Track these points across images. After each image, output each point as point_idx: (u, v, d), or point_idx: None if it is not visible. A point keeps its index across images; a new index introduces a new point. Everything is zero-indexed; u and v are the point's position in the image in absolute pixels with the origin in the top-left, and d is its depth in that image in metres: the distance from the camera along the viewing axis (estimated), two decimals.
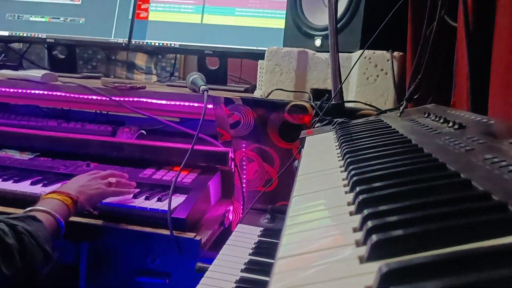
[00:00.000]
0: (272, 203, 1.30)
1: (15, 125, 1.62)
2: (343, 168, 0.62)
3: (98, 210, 1.21)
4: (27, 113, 1.77)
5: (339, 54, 1.14)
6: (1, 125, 1.60)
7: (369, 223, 0.36)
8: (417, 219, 0.35)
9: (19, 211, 1.04)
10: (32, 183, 1.31)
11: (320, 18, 1.43)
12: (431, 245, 0.31)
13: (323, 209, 0.48)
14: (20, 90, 1.60)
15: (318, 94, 1.37)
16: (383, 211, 0.38)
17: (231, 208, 1.42)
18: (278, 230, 1.12)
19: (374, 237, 0.33)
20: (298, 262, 0.36)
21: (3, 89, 1.61)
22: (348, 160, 0.60)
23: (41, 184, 1.30)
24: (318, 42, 1.44)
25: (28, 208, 1.05)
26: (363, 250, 0.34)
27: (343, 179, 0.56)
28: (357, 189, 0.46)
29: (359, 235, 0.37)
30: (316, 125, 1.16)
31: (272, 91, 1.40)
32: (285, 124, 1.31)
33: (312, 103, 1.27)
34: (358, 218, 0.41)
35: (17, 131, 1.56)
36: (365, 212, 0.39)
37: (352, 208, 0.45)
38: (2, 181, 1.32)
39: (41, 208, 1.04)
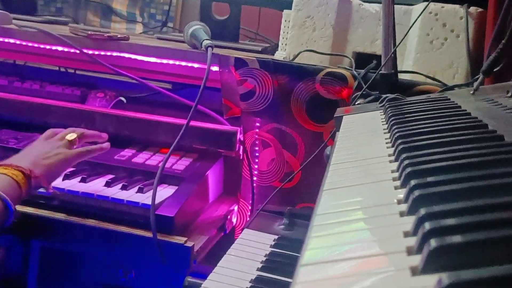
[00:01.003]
0: (291, 204, 1.31)
1: None
2: (393, 157, 0.62)
3: (58, 198, 1.23)
4: None
5: (395, 6, 1.14)
6: None
7: (427, 225, 0.37)
8: (490, 222, 0.36)
9: None
10: None
11: None
12: (506, 256, 0.32)
13: (364, 208, 0.49)
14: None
15: (362, 60, 1.37)
16: (445, 211, 0.39)
17: (236, 208, 1.43)
18: (297, 240, 1.13)
19: (432, 243, 0.34)
20: (329, 281, 0.37)
21: None
22: (401, 146, 0.61)
23: None
24: None
25: None
26: (417, 260, 0.35)
27: (392, 171, 0.57)
28: (412, 183, 0.47)
29: (412, 241, 0.38)
30: (358, 102, 1.16)
31: (300, 52, 1.40)
32: (316, 98, 1.31)
33: (354, 72, 1.27)
34: (411, 219, 0.41)
35: None
36: (422, 211, 0.40)
37: (404, 207, 0.45)
38: None
39: None
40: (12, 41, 1.59)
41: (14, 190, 1.09)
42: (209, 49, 1.36)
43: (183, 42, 1.55)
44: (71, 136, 1.25)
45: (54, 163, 1.18)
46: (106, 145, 1.30)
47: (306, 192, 1.35)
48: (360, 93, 1.18)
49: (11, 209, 1.07)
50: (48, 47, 1.56)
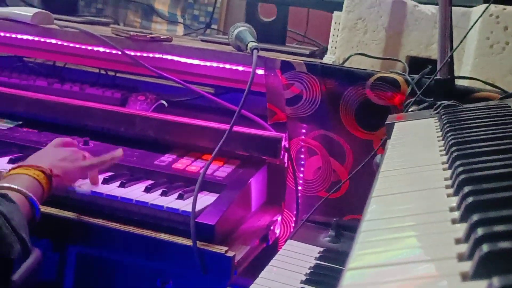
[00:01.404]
0: (339, 215, 1.32)
1: None
2: (446, 165, 0.63)
3: (93, 203, 1.27)
4: (9, 66, 1.86)
5: (453, 8, 1.14)
6: None
7: (479, 231, 0.38)
8: None
9: None
10: (11, 161, 1.39)
11: None
12: None
13: (415, 215, 0.50)
14: (1, 34, 1.68)
15: (417, 64, 1.37)
16: (498, 217, 0.40)
17: (279, 218, 1.45)
18: (344, 253, 1.14)
19: (484, 248, 0.35)
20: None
21: None
22: (455, 153, 0.62)
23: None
24: None
25: None
26: (468, 266, 0.36)
27: (445, 179, 0.58)
28: (465, 189, 0.48)
29: (464, 248, 0.39)
30: (411, 108, 1.17)
31: (351, 56, 1.41)
32: (366, 104, 1.32)
33: (408, 77, 1.28)
34: (463, 227, 0.43)
35: None
36: (474, 217, 0.41)
37: (456, 214, 0.46)
38: None
39: (8, 185, 1.11)
40: (53, 41, 1.65)
41: (37, 190, 1.14)
42: (255, 51, 1.39)
43: (227, 44, 1.58)
44: (85, 153, 1.32)
45: (71, 167, 1.25)
46: (118, 152, 1.34)
47: (354, 203, 1.35)
48: (413, 99, 1.19)
49: (36, 205, 1.12)
50: (89, 48, 1.61)
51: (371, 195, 0.59)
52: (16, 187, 1.11)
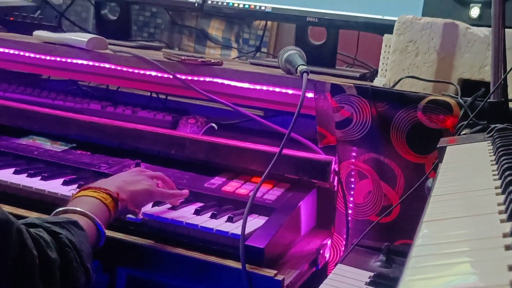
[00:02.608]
0: (390, 240, 1.30)
1: (47, 105, 1.77)
2: (499, 190, 0.62)
3: (145, 226, 1.29)
4: (64, 90, 1.92)
5: (506, 29, 1.13)
6: (30, 104, 1.75)
7: None
8: None
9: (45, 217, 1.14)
10: (65, 183, 1.42)
11: None
12: None
13: (467, 240, 0.50)
14: (57, 59, 1.74)
15: (469, 87, 1.36)
16: None
17: (329, 242, 1.44)
18: (395, 278, 1.13)
19: None
20: None
21: (37, 56, 1.76)
22: (509, 178, 0.61)
23: (75, 185, 1.41)
24: (475, 11, 1.42)
25: (61, 208, 1.14)
26: None
27: (498, 204, 0.57)
28: None
29: None
30: (464, 132, 1.15)
31: (402, 79, 1.41)
32: (417, 127, 1.31)
33: (460, 100, 1.26)
34: None
35: (49, 113, 1.69)
36: None
37: (510, 241, 0.46)
38: (27, 176, 1.45)
39: (78, 209, 1.13)
40: (107, 65, 1.69)
41: (104, 213, 1.16)
42: (305, 74, 1.39)
43: (277, 67, 1.59)
44: (159, 181, 1.35)
45: (139, 191, 1.27)
46: (185, 192, 1.37)
47: (405, 228, 1.34)
48: (466, 122, 1.17)
49: (103, 231, 1.14)
50: (141, 72, 1.65)
51: (423, 219, 0.58)
52: (84, 211, 1.13)
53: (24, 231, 0.94)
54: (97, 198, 1.17)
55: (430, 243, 0.50)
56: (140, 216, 1.28)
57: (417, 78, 1.40)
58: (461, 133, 1.16)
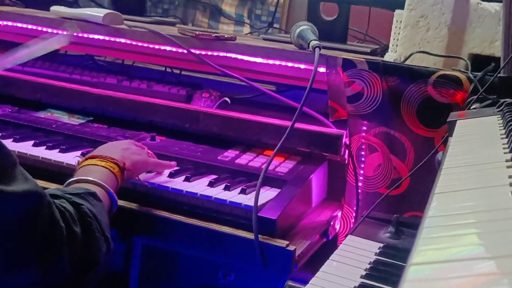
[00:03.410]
0: (399, 212, 1.30)
1: (64, 79, 1.77)
2: (510, 163, 0.62)
3: (158, 196, 1.30)
4: (80, 65, 1.92)
5: None
6: (47, 77, 1.75)
7: None
8: None
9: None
10: (83, 155, 1.42)
11: None
12: None
13: (477, 212, 0.50)
14: (74, 34, 1.73)
15: (479, 62, 1.34)
16: None
17: (339, 214, 1.44)
18: (404, 249, 1.13)
19: None
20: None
21: (54, 31, 1.75)
22: None
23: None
24: None
25: (73, 178, 1.15)
26: None
27: (509, 176, 0.57)
28: None
29: None
30: (473, 106, 1.14)
31: (412, 54, 1.39)
32: (428, 101, 1.30)
33: (470, 74, 1.25)
34: None
35: (66, 86, 1.70)
36: None
37: None
38: (46, 149, 1.45)
39: (91, 179, 1.14)
40: (122, 40, 1.68)
41: (113, 182, 1.18)
42: (317, 49, 1.38)
43: (289, 43, 1.58)
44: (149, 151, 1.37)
45: (140, 160, 1.29)
46: (173, 163, 1.39)
47: (414, 200, 1.33)
48: (476, 97, 1.16)
49: (115, 199, 1.15)
50: (156, 47, 1.64)
51: (433, 191, 0.58)
52: (97, 180, 1.14)
53: (53, 203, 0.94)
54: (105, 168, 1.19)
55: (441, 215, 0.50)
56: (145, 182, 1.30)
57: (428, 53, 1.38)
58: (471, 108, 1.15)
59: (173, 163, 1.39)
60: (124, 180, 1.24)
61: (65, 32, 1.41)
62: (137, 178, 1.28)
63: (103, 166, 1.19)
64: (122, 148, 1.29)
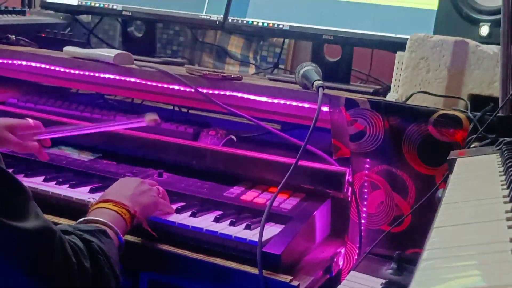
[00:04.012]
0: (401, 248, 1.30)
1: (75, 116, 1.79)
2: (507, 199, 0.62)
3: (165, 231, 1.30)
4: (91, 103, 1.94)
5: None
6: (59, 115, 1.77)
7: None
8: None
9: (73, 223, 1.16)
10: (92, 190, 1.44)
11: None
12: None
13: (476, 244, 0.50)
14: (85, 73, 1.76)
15: (478, 102, 1.35)
16: None
17: (343, 250, 1.44)
18: (406, 286, 1.12)
19: None
20: None
21: (66, 70, 1.78)
22: None
23: (102, 192, 1.42)
24: (484, 30, 1.42)
25: (85, 218, 1.16)
26: None
27: (506, 211, 0.57)
28: None
29: None
30: (473, 145, 1.15)
31: (413, 94, 1.41)
32: (428, 140, 1.31)
33: (470, 114, 1.26)
34: None
35: (77, 124, 1.71)
36: None
37: None
38: (56, 184, 1.47)
39: (103, 220, 1.15)
40: (132, 80, 1.71)
41: (122, 226, 1.20)
42: (320, 89, 1.40)
43: (294, 82, 1.60)
44: (160, 188, 1.37)
45: (149, 203, 1.30)
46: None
47: (416, 237, 1.33)
48: (475, 136, 1.17)
49: (122, 243, 1.18)
50: (165, 86, 1.67)
51: (433, 226, 0.58)
52: (108, 222, 1.15)
53: (64, 238, 0.95)
54: (117, 212, 1.21)
55: (440, 247, 0.50)
56: (154, 234, 1.29)
57: (429, 93, 1.40)
58: (471, 146, 1.16)
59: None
60: (132, 225, 1.24)
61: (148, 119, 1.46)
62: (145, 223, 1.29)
63: (115, 211, 1.20)
64: (133, 192, 1.29)
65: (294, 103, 1.52)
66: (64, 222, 1.25)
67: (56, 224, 1.12)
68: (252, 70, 2.57)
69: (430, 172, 1.32)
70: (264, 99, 1.56)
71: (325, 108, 1.42)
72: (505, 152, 0.90)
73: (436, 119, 1.30)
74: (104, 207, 1.21)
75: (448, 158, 1.03)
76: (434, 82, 1.42)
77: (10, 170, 1.47)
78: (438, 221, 0.59)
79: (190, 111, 1.98)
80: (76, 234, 1.03)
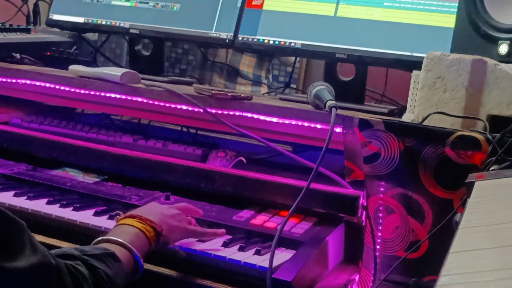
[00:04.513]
0: (417, 276, 1.29)
1: (80, 137, 1.80)
2: None
3: (170, 255, 1.30)
4: (97, 123, 1.96)
5: None
6: (63, 136, 1.79)
7: None
8: None
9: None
10: (96, 214, 1.45)
11: (509, 14, 1.42)
12: None
13: (494, 270, 0.50)
14: (91, 92, 1.78)
15: (497, 123, 1.35)
16: None
17: (357, 277, 1.43)
18: None
19: None
20: None
21: (72, 90, 1.80)
22: None
23: (106, 216, 1.43)
24: (503, 48, 1.42)
25: (103, 237, 1.17)
26: None
27: None
28: None
29: None
30: (492, 167, 1.15)
31: (430, 114, 1.41)
32: (445, 162, 1.30)
33: (488, 136, 1.26)
34: None
35: (82, 145, 1.73)
36: None
37: None
38: (59, 207, 1.47)
39: (119, 240, 1.15)
40: (139, 99, 1.73)
41: (144, 245, 1.19)
42: (333, 109, 1.40)
43: (306, 103, 1.60)
44: (192, 219, 1.37)
45: (178, 228, 1.29)
46: (221, 232, 1.37)
47: (433, 264, 1.32)
48: (494, 158, 1.17)
49: (140, 264, 1.16)
50: (173, 106, 1.68)
51: (450, 251, 0.58)
52: (124, 242, 1.15)
53: (63, 269, 0.95)
54: (140, 230, 1.20)
55: (457, 273, 0.50)
56: (181, 253, 1.29)
57: (446, 113, 1.40)
58: (490, 169, 1.16)
59: (221, 231, 1.37)
60: (158, 245, 1.24)
61: None
62: (175, 245, 1.29)
63: (138, 228, 1.20)
64: (162, 212, 1.30)
65: (306, 124, 1.53)
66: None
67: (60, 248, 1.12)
68: (264, 90, 2.59)
69: (448, 196, 1.32)
70: (275, 119, 1.56)
71: (338, 129, 1.43)
72: None
73: (453, 140, 1.30)
74: (127, 224, 1.21)
75: (466, 181, 1.02)
76: (451, 102, 1.42)
77: (12, 193, 1.52)
78: (455, 246, 0.59)
79: (198, 132, 1.99)
80: (82, 260, 1.03)
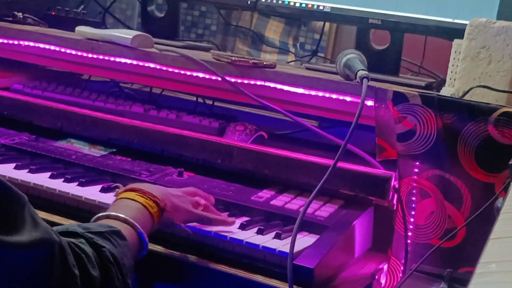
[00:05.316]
0: (453, 266, 1.29)
1: (87, 106, 1.81)
2: None
3: (186, 238, 1.30)
4: (105, 91, 1.97)
5: None
6: (68, 104, 1.80)
7: None
8: None
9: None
10: (103, 190, 1.46)
11: None
12: None
13: None
14: (99, 57, 1.79)
15: None
16: None
17: (386, 266, 1.43)
18: None
19: None
20: None
21: (78, 53, 1.81)
22: None
23: (114, 192, 1.44)
24: None
25: (103, 213, 1.17)
26: None
27: None
28: None
29: None
30: None
31: (472, 88, 1.40)
32: (488, 142, 1.29)
33: None
34: None
35: (88, 114, 1.74)
36: None
37: None
38: (64, 181, 1.49)
39: (121, 216, 1.16)
40: (151, 65, 1.73)
41: (147, 222, 1.19)
42: (365, 80, 1.40)
43: (334, 73, 1.60)
44: (201, 200, 1.35)
45: (184, 208, 1.29)
46: (231, 220, 1.36)
47: (471, 254, 1.32)
48: None
49: (145, 242, 1.16)
50: (188, 73, 1.68)
51: (490, 237, 0.58)
52: (127, 218, 1.15)
53: (67, 249, 0.95)
54: (143, 205, 1.20)
55: (497, 261, 0.50)
56: (187, 229, 1.30)
57: (490, 88, 1.38)
58: None
59: (232, 220, 1.36)
60: (162, 223, 1.25)
61: None
62: (181, 224, 1.29)
63: (140, 203, 1.20)
64: (165, 189, 1.30)
65: (334, 96, 1.52)
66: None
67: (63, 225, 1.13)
68: (291, 58, 2.57)
69: (489, 179, 1.31)
70: (300, 90, 1.56)
71: (369, 103, 1.42)
72: None
73: (497, 118, 1.28)
74: (129, 198, 1.22)
75: (510, 163, 1.02)
76: (496, 75, 1.40)
77: (13, 165, 1.53)
78: (496, 232, 0.59)
79: (215, 103, 1.99)
80: (86, 238, 1.04)
